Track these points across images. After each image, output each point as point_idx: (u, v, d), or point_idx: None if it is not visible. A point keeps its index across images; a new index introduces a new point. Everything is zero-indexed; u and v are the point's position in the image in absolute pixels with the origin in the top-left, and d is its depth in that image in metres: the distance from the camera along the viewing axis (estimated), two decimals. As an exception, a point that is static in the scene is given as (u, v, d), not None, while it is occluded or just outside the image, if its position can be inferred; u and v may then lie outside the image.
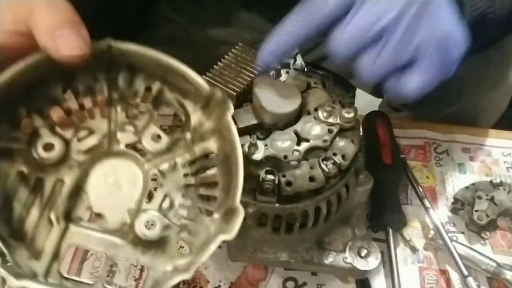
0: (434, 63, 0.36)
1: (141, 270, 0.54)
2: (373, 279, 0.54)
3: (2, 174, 0.32)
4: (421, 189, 0.60)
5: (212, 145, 0.36)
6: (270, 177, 0.40)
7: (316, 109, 0.44)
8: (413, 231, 0.58)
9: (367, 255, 0.47)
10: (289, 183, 0.41)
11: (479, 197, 0.57)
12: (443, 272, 0.55)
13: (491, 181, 0.60)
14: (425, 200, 0.59)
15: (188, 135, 0.37)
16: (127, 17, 0.69)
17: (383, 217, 0.56)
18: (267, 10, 0.70)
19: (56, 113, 0.34)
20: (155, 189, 0.36)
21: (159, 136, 0.36)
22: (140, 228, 0.33)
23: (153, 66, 0.35)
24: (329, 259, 0.48)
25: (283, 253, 0.48)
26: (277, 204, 0.42)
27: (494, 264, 0.53)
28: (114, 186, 0.35)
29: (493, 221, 0.57)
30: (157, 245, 0.34)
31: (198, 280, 0.53)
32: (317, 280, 0.54)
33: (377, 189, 0.49)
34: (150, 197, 0.35)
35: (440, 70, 0.37)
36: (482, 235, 0.58)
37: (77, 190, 0.34)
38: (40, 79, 0.32)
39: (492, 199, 0.57)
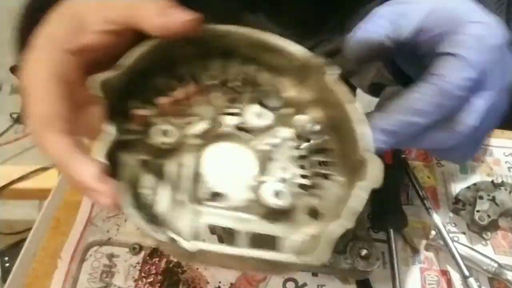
0: None
1: (140, 271, 0.54)
2: (374, 280, 0.54)
3: (125, 165, 0.32)
4: (422, 190, 0.60)
5: (316, 114, 0.38)
6: None
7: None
8: (414, 232, 0.58)
9: (367, 256, 0.47)
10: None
11: (481, 197, 0.57)
12: (444, 273, 0.55)
13: (492, 181, 0.59)
14: (426, 200, 0.58)
15: (289, 110, 0.38)
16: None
17: (384, 217, 0.56)
18: (273, 13, 0.70)
19: (164, 102, 0.36)
20: (269, 163, 0.37)
21: (261, 115, 0.38)
22: (270, 199, 0.34)
23: (246, 47, 0.36)
24: (330, 260, 0.48)
25: (284, 254, 0.48)
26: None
27: (496, 265, 0.53)
28: (228, 166, 0.37)
29: (494, 221, 0.56)
30: (285, 215, 0.35)
31: (198, 281, 0.53)
32: (317, 281, 0.54)
33: (378, 189, 0.49)
34: (267, 171, 0.36)
35: None
36: (483, 235, 0.57)
37: (196, 173, 0.35)
38: (147, 71, 0.34)
39: (493, 199, 0.56)
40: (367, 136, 0.33)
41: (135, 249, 0.56)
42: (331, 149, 0.37)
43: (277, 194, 0.34)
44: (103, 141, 0.29)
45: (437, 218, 0.56)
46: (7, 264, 1.18)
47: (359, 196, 0.31)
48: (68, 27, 0.32)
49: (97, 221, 0.58)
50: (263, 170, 0.36)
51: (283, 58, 0.36)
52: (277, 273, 0.47)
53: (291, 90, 0.38)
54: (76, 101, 0.32)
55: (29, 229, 0.59)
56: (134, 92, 0.34)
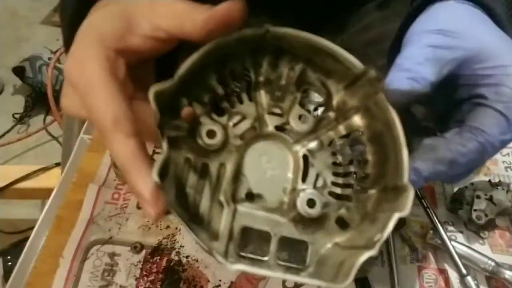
0: None
1: (141, 269, 0.55)
2: (372, 278, 0.54)
3: (172, 162, 0.33)
4: (420, 189, 0.60)
5: (357, 122, 0.37)
6: None
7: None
8: (412, 231, 0.59)
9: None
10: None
11: (478, 197, 0.57)
12: (442, 271, 0.55)
13: (489, 181, 0.60)
14: (424, 199, 0.59)
15: (332, 114, 0.38)
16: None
17: (382, 216, 0.56)
18: (274, 14, 0.69)
19: (211, 101, 0.36)
20: (306, 168, 0.37)
21: (304, 117, 0.37)
22: (302, 207, 0.35)
23: (300, 48, 0.36)
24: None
25: (283, 252, 0.48)
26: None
27: (493, 263, 0.53)
28: (267, 167, 0.37)
29: (491, 220, 0.57)
30: (316, 222, 0.35)
31: (199, 279, 0.54)
32: (316, 279, 0.54)
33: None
34: (303, 176, 0.37)
35: None
36: (481, 234, 0.58)
37: (237, 173, 0.36)
38: (198, 69, 0.34)
39: (490, 199, 0.57)
40: (408, 166, 0.34)
41: (137, 248, 0.56)
42: (366, 160, 0.37)
43: (309, 203, 0.35)
44: (158, 159, 0.30)
45: (435, 217, 0.57)
46: (10, 263, 1.18)
47: (391, 227, 0.32)
48: (117, 25, 0.32)
49: (98, 220, 0.59)
50: (299, 173, 0.37)
51: (338, 64, 0.36)
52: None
53: (337, 95, 0.38)
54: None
55: (31, 228, 0.60)
56: (184, 89, 0.34)
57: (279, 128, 0.37)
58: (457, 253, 0.53)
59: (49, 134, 1.74)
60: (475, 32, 0.35)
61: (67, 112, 0.34)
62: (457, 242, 0.56)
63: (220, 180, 0.35)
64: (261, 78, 0.37)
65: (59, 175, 0.90)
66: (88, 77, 0.30)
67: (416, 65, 0.34)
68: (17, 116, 1.80)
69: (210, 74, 0.36)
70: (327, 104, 0.38)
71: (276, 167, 0.37)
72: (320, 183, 0.37)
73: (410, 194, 0.32)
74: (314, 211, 0.34)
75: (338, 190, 0.37)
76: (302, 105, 0.38)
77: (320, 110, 0.39)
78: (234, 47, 0.34)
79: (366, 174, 0.37)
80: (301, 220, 0.35)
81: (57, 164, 1.04)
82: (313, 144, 0.37)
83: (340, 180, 0.37)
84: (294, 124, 0.37)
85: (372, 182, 0.36)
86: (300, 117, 0.37)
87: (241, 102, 0.37)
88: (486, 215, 0.56)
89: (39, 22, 2.15)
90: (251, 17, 0.78)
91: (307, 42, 0.35)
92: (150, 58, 0.35)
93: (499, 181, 0.60)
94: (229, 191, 0.34)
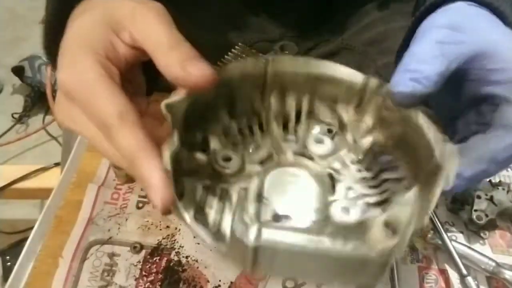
0: None
1: (141, 269, 0.55)
2: (373, 278, 0.54)
3: (191, 190, 0.33)
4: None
5: (377, 137, 0.37)
6: None
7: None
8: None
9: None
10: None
11: (478, 197, 0.57)
12: (443, 272, 0.55)
13: (490, 181, 0.60)
14: (425, 199, 0.59)
15: (349, 136, 0.38)
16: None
17: (383, 216, 0.56)
18: (274, 14, 0.69)
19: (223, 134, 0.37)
20: (334, 185, 0.37)
21: (321, 141, 0.38)
22: (338, 215, 0.34)
23: (301, 81, 0.37)
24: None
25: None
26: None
27: (493, 264, 0.53)
28: (291, 190, 0.36)
29: (492, 220, 0.57)
30: (357, 233, 0.32)
31: (198, 280, 0.53)
32: (316, 279, 0.54)
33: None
34: (333, 191, 0.36)
35: None
36: (481, 234, 0.58)
37: (259, 197, 0.35)
38: (211, 105, 0.35)
39: (491, 199, 0.57)
40: (440, 140, 0.33)
41: (136, 248, 0.56)
42: (397, 166, 0.36)
43: (344, 210, 0.34)
44: (168, 149, 0.30)
45: (435, 217, 0.56)
46: (9, 263, 1.18)
47: (439, 191, 0.30)
48: (105, 34, 0.32)
49: (98, 220, 0.59)
50: (327, 188, 0.36)
51: (340, 85, 0.36)
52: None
53: (349, 116, 0.38)
54: None
55: (30, 228, 0.59)
56: (200, 124, 0.35)
57: (299, 154, 0.37)
58: (457, 253, 0.53)
59: (49, 134, 1.74)
60: (484, 28, 0.36)
61: (62, 126, 0.34)
62: (458, 242, 0.56)
63: (242, 201, 0.34)
64: (271, 114, 0.38)
65: (58, 175, 0.90)
66: (89, 86, 0.30)
67: (420, 64, 0.34)
68: (16, 116, 1.80)
69: (222, 111, 0.37)
70: (342, 129, 0.38)
71: (301, 190, 0.36)
72: (351, 195, 0.36)
73: (454, 160, 0.31)
74: (351, 217, 0.33)
75: (373, 200, 0.35)
76: (317, 129, 0.39)
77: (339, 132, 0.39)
78: (240, 84, 0.36)
79: (400, 178, 0.36)
80: (339, 234, 0.32)
81: (57, 164, 1.04)
82: (336, 164, 0.37)
83: (373, 191, 0.36)
84: (312, 149, 0.38)
85: (410, 182, 0.35)
86: (317, 142, 0.38)
87: (254, 135, 0.38)
88: (486, 215, 0.56)
89: (38, 21, 2.14)
90: (251, 17, 0.78)
91: (304, 73, 0.36)
92: (137, 63, 0.35)
93: (500, 181, 0.60)
94: (253, 212, 0.34)
